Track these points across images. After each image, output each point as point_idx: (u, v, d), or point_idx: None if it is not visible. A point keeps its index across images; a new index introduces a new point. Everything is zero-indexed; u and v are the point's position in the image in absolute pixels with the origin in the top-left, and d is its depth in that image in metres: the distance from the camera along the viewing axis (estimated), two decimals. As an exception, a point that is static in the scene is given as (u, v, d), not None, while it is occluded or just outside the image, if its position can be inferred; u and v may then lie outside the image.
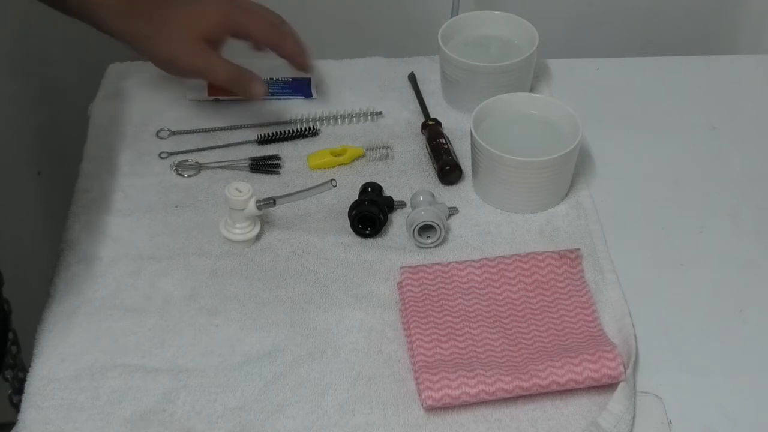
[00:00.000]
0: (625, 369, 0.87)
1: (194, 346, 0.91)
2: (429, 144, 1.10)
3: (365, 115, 1.15)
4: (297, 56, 1.08)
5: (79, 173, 1.08)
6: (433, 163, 1.09)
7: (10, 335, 0.98)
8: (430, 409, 0.85)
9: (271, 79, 1.19)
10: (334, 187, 0.98)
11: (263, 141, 1.12)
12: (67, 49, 1.41)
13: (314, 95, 1.18)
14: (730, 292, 0.97)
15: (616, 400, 0.85)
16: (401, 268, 0.96)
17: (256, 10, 1.06)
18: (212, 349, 0.91)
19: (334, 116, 1.15)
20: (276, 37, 1.07)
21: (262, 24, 1.06)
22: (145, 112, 1.16)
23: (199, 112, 1.16)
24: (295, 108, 1.16)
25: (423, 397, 0.85)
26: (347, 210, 1.02)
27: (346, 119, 1.15)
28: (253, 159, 1.10)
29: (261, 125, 1.14)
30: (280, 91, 1.18)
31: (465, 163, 1.08)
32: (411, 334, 0.90)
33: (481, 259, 0.97)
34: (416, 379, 0.87)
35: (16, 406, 0.89)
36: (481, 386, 0.85)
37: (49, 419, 0.85)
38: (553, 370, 0.85)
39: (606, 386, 0.87)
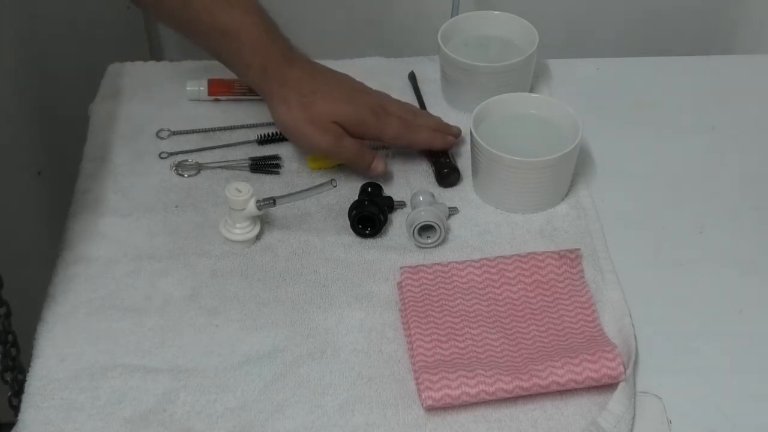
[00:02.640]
0: (625, 369, 0.87)
1: (194, 346, 0.91)
2: (428, 145, 1.10)
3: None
4: (434, 144, 1.07)
5: (79, 173, 1.08)
6: (431, 165, 1.09)
7: (10, 337, 0.98)
8: (430, 409, 0.85)
9: (271, 79, 1.19)
10: (334, 187, 0.98)
11: (263, 141, 1.12)
12: (67, 49, 1.41)
13: (314, 95, 1.18)
14: (730, 292, 0.97)
15: (616, 400, 0.85)
16: (401, 268, 0.96)
17: (390, 114, 1.06)
18: (212, 349, 0.91)
19: (334, 116, 1.15)
20: (408, 136, 1.06)
21: (394, 132, 1.05)
22: (145, 112, 1.16)
23: (199, 112, 1.16)
24: (295, 108, 1.16)
25: (423, 397, 0.85)
26: (347, 210, 1.02)
27: (346, 119, 1.15)
28: (253, 159, 1.10)
29: (261, 125, 1.14)
30: (280, 91, 1.18)
31: (464, 164, 1.08)
32: (411, 334, 0.90)
33: (480, 259, 0.97)
34: (416, 379, 0.87)
35: (16, 409, 0.89)
36: (481, 386, 0.85)
37: (49, 419, 0.85)
38: (553, 370, 0.85)
39: (606, 386, 0.87)
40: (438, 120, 1.10)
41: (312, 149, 1.06)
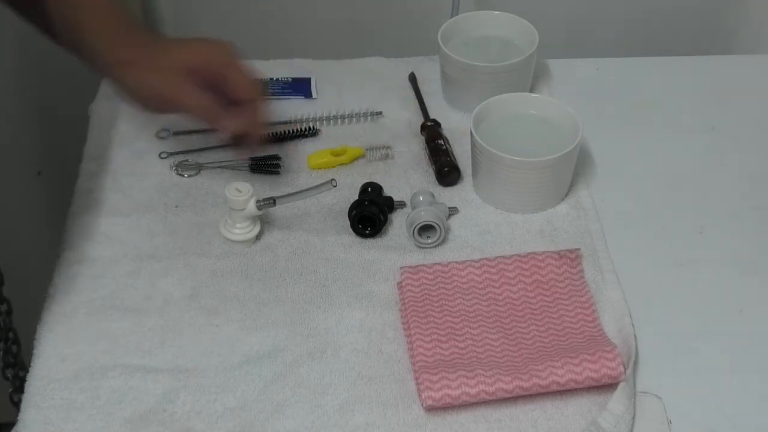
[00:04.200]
0: (625, 369, 0.87)
1: (194, 346, 0.91)
2: (428, 145, 1.10)
3: (365, 115, 1.15)
4: (241, 91, 1.00)
5: (79, 173, 1.08)
6: (431, 164, 1.09)
7: (11, 334, 0.98)
8: (430, 409, 0.85)
9: (271, 79, 1.19)
10: (334, 187, 0.98)
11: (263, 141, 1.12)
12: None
13: (314, 95, 1.18)
14: (730, 292, 0.97)
15: (616, 400, 0.85)
16: (401, 268, 0.96)
17: (242, 65, 1.00)
18: (212, 349, 0.91)
19: (334, 116, 1.15)
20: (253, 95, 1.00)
21: (246, 80, 0.99)
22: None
23: (199, 112, 1.16)
24: (295, 108, 1.16)
25: (423, 397, 0.85)
26: (347, 210, 1.02)
27: (346, 119, 1.15)
28: (253, 159, 1.10)
29: (261, 125, 1.14)
30: (280, 91, 1.18)
31: (464, 164, 1.08)
32: (411, 334, 0.90)
33: (480, 259, 0.97)
34: (416, 379, 0.87)
35: (17, 405, 0.89)
36: (481, 386, 0.85)
37: (49, 419, 0.85)
38: (553, 370, 0.85)
39: (606, 386, 0.87)
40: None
41: (164, 103, 0.99)
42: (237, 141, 1.04)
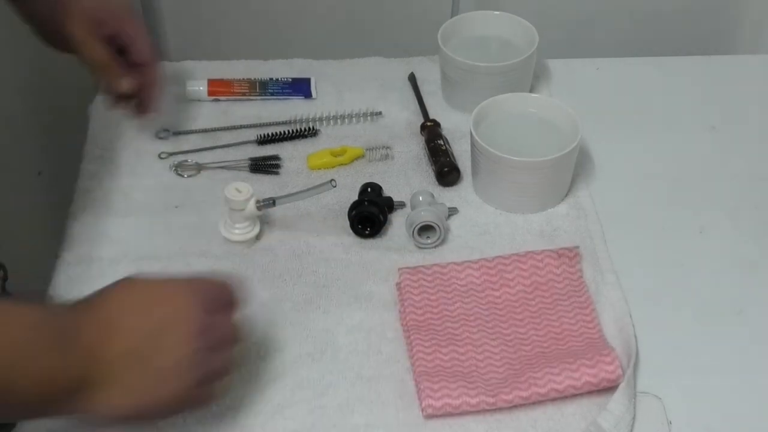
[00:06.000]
0: (624, 372, 0.87)
1: (194, 346, 0.91)
2: (427, 145, 1.10)
3: (365, 115, 1.15)
4: (140, 53, 1.03)
5: (79, 173, 1.08)
6: (431, 164, 1.09)
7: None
8: (430, 417, 0.85)
9: (271, 79, 1.19)
10: (334, 187, 0.98)
11: (263, 141, 1.12)
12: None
13: (314, 95, 1.18)
14: (730, 292, 0.97)
15: (616, 401, 0.85)
16: (400, 269, 0.96)
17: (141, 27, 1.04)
18: (212, 349, 0.91)
19: (334, 116, 1.15)
20: (152, 58, 1.03)
21: (145, 41, 1.03)
22: (145, 112, 1.16)
23: (199, 112, 1.16)
24: (295, 108, 1.16)
25: (423, 405, 0.85)
26: (347, 210, 1.02)
27: (346, 119, 1.15)
28: (252, 159, 1.10)
29: (261, 125, 1.14)
30: (280, 91, 1.18)
31: (464, 164, 1.08)
32: (410, 338, 0.90)
33: (479, 260, 0.97)
34: (417, 385, 0.87)
35: (16, 407, 0.89)
36: (482, 396, 0.84)
37: (48, 419, 0.85)
38: (551, 377, 0.85)
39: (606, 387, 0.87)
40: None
41: (66, 39, 1.01)
42: (128, 102, 1.05)
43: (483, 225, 1.03)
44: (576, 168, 1.05)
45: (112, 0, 1.03)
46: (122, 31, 1.01)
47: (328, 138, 1.13)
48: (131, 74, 1.02)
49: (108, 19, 1.01)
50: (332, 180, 0.98)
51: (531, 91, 1.17)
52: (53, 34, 1.03)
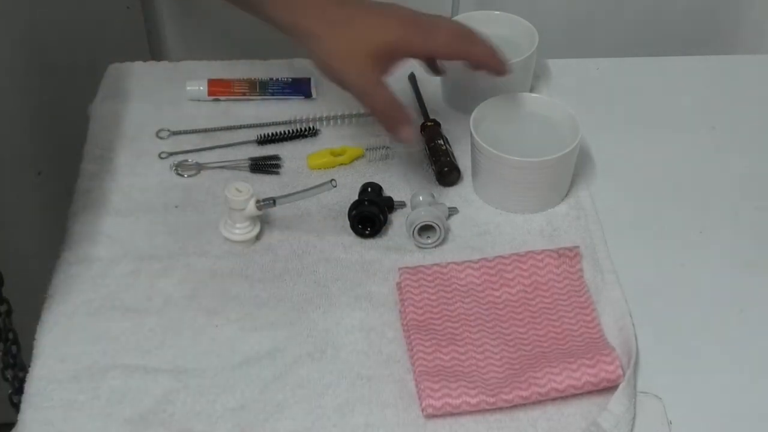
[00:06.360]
0: (624, 372, 0.87)
1: (194, 346, 0.91)
2: (428, 146, 1.10)
3: (365, 115, 1.15)
4: (490, 60, 0.98)
5: (79, 173, 1.08)
6: (431, 164, 1.09)
7: (11, 335, 0.98)
8: (430, 417, 0.85)
9: (271, 79, 1.19)
10: (334, 187, 0.98)
11: (263, 141, 1.12)
12: (67, 49, 1.41)
13: (314, 95, 1.18)
14: (730, 292, 0.97)
15: (617, 401, 0.85)
16: (400, 269, 0.96)
17: (438, 24, 0.96)
18: (212, 349, 0.91)
19: (334, 116, 1.15)
20: (464, 46, 0.97)
21: (445, 39, 0.96)
22: (145, 112, 1.16)
23: (199, 112, 1.16)
24: (295, 108, 1.16)
25: (423, 405, 0.85)
26: (347, 210, 1.02)
27: (346, 119, 1.15)
28: (253, 159, 1.10)
29: (261, 125, 1.14)
30: (280, 91, 1.18)
31: (464, 164, 1.08)
32: (411, 338, 0.90)
33: (479, 260, 0.97)
34: (417, 385, 0.87)
35: (17, 406, 0.89)
36: (482, 396, 0.84)
37: (48, 419, 0.85)
38: (551, 377, 0.85)
39: (606, 387, 0.87)
40: (489, 42, 0.99)
41: (348, 86, 0.96)
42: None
43: (483, 225, 1.03)
44: (576, 168, 1.05)
45: (403, 19, 0.94)
46: (416, 54, 0.96)
47: (328, 138, 1.13)
48: (409, 121, 0.96)
49: (393, 51, 0.94)
50: (332, 180, 0.98)
51: (531, 91, 1.17)
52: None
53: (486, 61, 0.99)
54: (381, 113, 0.97)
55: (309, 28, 0.93)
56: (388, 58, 0.95)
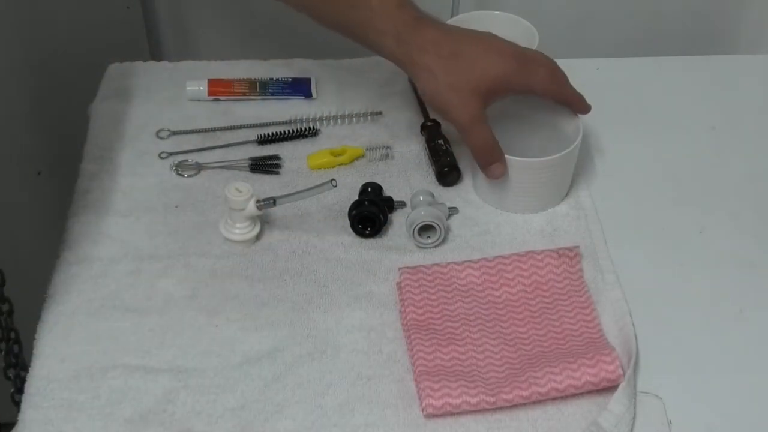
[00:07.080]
0: (624, 372, 0.87)
1: (194, 346, 0.91)
2: (428, 145, 1.10)
3: (365, 115, 1.15)
4: (577, 103, 1.03)
5: (79, 173, 1.08)
6: (431, 164, 1.09)
7: (12, 334, 0.98)
8: (430, 417, 0.85)
9: (271, 79, 1.19)
10: (334, 187, 0.98)
11: (263, 141, 1.12)
12: (67, 49, 1.41)
13: (314, 95, 1.18)
14: (730, 292, 0.97)
15: (617, 401, 0.85)
16: (400, 269, 0.96)
17: (537, 63, 1.01)
18: (212, 349, 0.91)
19: (334, 116, 1.15)
20: (558, 88, 1.02)
21: (542, 80, 1.00)
22: (145, 112, 1.16)
23: (199, 112, 1.16)
24: (295, 108, 1.16)
25: (424, 404, 0.85)
26: (347, 210, 1.02)
27: (346, 119, 1.15)
28: (253, 159, 1.10)
29: (261, 125, 1.14)
30: (280, 91, 1.18)
31: (464, 164, 1.08)
32: (411, 338, 0.90)
33: (479, 260, 0.97)
34: (417, 384, 0.87)
35: (19, 405, 0.89)
36: (482, 396, 0.85)
37: (49, 419, 0.85)
38: (551, 377, 0.85)
39: (606, 387, 0.87)
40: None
41: (451, 120, 1.00)
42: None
43: (483, 225, 1.03)
44: (576, 168, 1.05)
45: (511, 62, 0.99)
46: (515, 91, 1.00)
47: (328, 138, 1.13)
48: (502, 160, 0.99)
49: (496, 89, 0.98)
50: (332, 180, 0.98)
51: (531, 91, 1.17)
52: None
53: (574, 102, 1.03)
54: (479, 150, 1.00)
55: (427, 63, 0.98)
56: (490, 94, 0.99)
